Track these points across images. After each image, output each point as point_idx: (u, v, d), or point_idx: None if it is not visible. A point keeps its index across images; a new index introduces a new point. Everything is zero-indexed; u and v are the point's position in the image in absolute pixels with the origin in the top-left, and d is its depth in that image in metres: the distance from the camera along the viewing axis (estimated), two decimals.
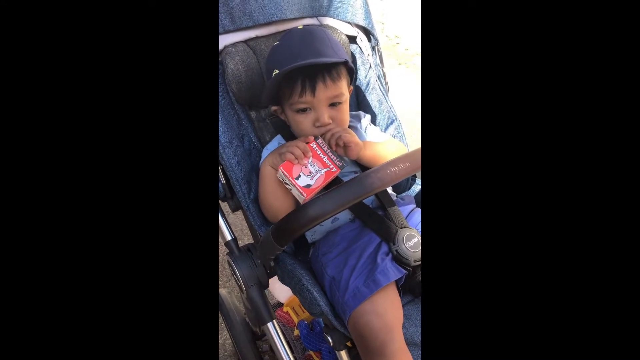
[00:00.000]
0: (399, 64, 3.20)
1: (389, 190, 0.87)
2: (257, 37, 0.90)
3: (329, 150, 0.75)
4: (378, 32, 1.02)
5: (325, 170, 0.74)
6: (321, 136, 0.77)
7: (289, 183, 0.73)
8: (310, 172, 0.73)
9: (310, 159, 0.74)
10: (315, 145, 0.75)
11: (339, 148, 0.76)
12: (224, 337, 1.32)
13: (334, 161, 0.75)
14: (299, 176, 0.72)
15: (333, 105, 0.77)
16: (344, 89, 0.78)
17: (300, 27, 0.82)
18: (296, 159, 0.72)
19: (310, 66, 0.72)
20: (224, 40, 0.87)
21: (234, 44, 0.87)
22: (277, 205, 0.77)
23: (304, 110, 0.76)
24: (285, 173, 0.72)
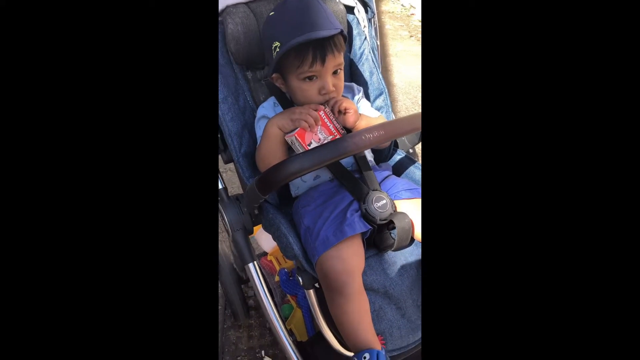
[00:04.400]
0: (410, 36, 3.16)
1: (368, 157, 0.94)
2: (257, 0, 0.95)
3: (333, 119, 0.83)
4: (394, 0, 1.04)
5: (331, 137, 0.81)
6: (326, 103, 0.84)
7: (299, 148, 0.80)
8: (319, 139, 0.80)
9: (319, 127, 0.81)
10: (323, 114, 0.82)
11: (339, 115, 0.83)
12: None
13: (338, 129, 0.82)
14: (310, 143, 0.80)
15: (334, 72, 0.84)
16: (342, 57, 0.85)
17: None
18: (309, 127, 0.79)
19: (318, 37, 0.77)
20: (226, 1, 0.91)
21: (235, 5, 0.91)
22: (274, 162, 0.84)
23: (310, 79, 0.83)
24: (300, 140, 0.79)
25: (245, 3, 0.93)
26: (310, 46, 0.79)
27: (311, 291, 0.82)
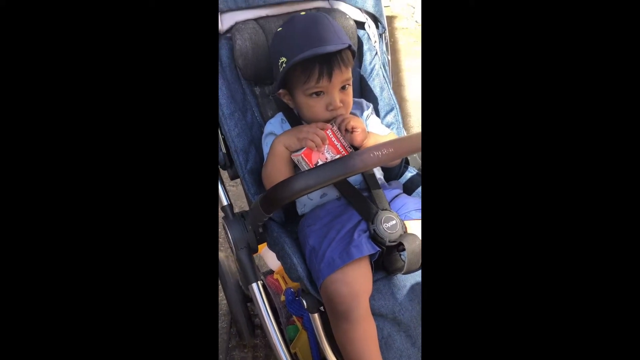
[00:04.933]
0: None
1: (378, 174, 0.91)
2: (267, 16, 0.94)
3: (341, 137, 0.81)
4: (408, 16, 1.04)
5: (339, 156, 0.79)
6: (333, 121, 0.82)
7: (305, 167, 0.78)
8: (326, 159, 0.79)
9: (326, 146, 0.79)
10: (330, 132, 0.80)
11: (346, 133, 0.81)
12: (220, 296, 1.42)
13: (345, 147, 0.81)
14: (317, 162, 0.78)
15: (342, 88, 0.82)
16: (351, 73, 0.83)
17: (303, 13, 0.86)
18: (316, 146, 0.77)
19: (324, 53, 0.76)
20: (235, 17, 0.92)
21: (244, 21, 0.92)
22: (279, 179, 0.83)
23: (317, 94, 0.81)
24: (306, 160, 0.78)
25: (255, 19, 0.93)
26: (316, 61, 0.77)
27: (316, 315, 0.78)
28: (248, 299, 1.22)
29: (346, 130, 0.82)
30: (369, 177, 0.86)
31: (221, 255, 1.28)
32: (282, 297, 1.12)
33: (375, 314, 0.75)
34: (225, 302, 1.37)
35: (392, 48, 3.10)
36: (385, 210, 0.80)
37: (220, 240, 1.65)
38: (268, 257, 1.21)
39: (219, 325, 1.36)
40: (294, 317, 1.06)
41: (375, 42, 1.03)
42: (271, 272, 1.21)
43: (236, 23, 0.91)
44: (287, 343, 0.97)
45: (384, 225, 0.77)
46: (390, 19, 3.64)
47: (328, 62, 0.78)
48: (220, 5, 0.89)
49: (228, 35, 0.92)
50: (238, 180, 0.97)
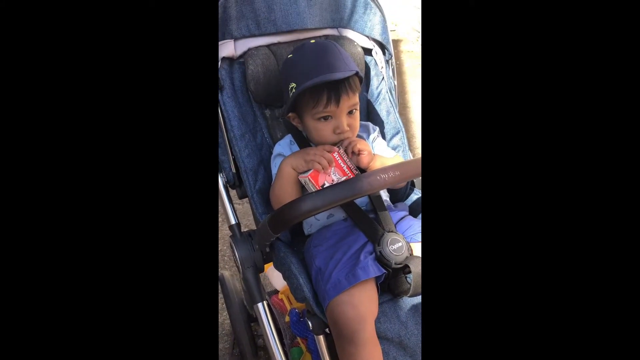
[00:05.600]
0: None
1: (384, 196, 0.92)
2: (279, 43, 0.98)
3: (347, 160, 0.83)
4: (413, 40, 1.07)
5: (345, 178, 0.81)
6: (340, 144, 0.85)
7: (312, 189, 0.80)
8: (332, 180, 0.81)
9: (333, 168, 0.81)
10: (337, 155, 0.83)
11: (353, 156, 0.84)
12: (223, 316, 1.41)
13: (352, 170, 0.83)
14: (324, 184, 0.80)
15: (349, 112, 0.85)
16: (358, 98, 0.86)
17: (313, 41, 0.89)
18: (322, 168, 0.80)
19: (332, 79, 0.80)
20: (248, 43, 0.96)
21: (257, 47, 0.95)
22: (287, 200, 0.85)
23: (325, 119, 0.84)
24: (313, 182, 0.80)
25: (267, 46, 0.97)
26: (324, 87, 0.80)
27: (321, 337, 0.78)
28: (252, 319, 1.21)
29: (353, 152, 0.84)
30: (375, 199, 0.88)
31: (226, 273, 1.28)
32: (287, 318, 1.11)
33: (381, 337, 0.75)
34: (228, 322, 1.36)
35: (398, 70, 3.15)
36: (392, 232, 0.81)
37: (225, 258, 1.65)
38: (273, 277, 1.21)
39: (222, 345, 1.34)
40: (298, 339, 1.05)
41: (382, 67, 1.06)
42: (276, 292, 1.21)
43: (249, 49, 0.95)
44: None
45: (390, 247, 0.78)
46: (396, 42, 3.74)
47: (336, 89, 0.81)
48: (235, 33, 0.94)
49: (241, 60, 0.96)
50: (246, 198, 0.99)
